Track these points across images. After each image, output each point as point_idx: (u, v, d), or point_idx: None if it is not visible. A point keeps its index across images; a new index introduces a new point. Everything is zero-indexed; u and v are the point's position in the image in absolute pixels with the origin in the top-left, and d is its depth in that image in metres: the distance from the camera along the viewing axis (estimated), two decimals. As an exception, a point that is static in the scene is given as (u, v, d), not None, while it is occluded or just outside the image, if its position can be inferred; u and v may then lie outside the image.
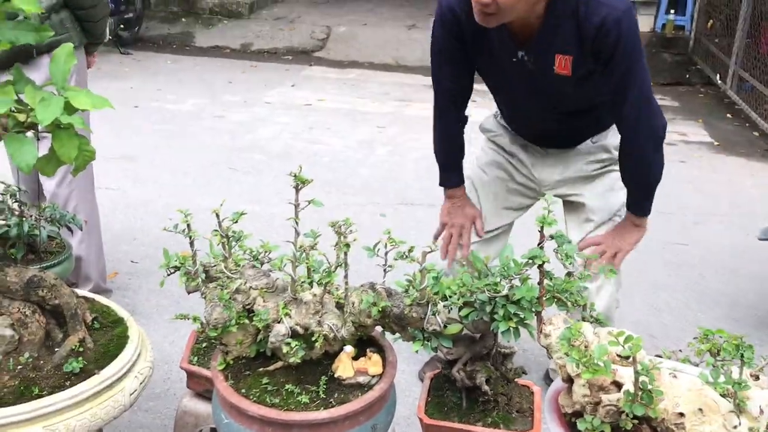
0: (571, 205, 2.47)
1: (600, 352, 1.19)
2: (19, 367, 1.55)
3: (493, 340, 1.82)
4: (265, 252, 1.62)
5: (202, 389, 2.08)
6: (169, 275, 1.62)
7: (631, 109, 1.96)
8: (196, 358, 2.09)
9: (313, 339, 1.39)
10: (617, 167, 2.26)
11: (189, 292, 1.63)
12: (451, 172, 2.37)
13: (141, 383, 1.65)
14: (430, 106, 2.35)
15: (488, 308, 1.61)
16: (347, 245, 1.35)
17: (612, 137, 2.28)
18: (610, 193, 2.37)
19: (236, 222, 1.52)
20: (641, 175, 2.12)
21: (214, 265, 1.60)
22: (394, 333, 1.53)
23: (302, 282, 1.47)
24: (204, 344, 2.13)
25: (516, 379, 1.95)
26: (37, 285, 1.61)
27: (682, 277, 3.73)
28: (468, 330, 1.69)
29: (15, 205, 2.26)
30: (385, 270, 1.47)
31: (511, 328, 1.60)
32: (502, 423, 1.92)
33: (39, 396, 1.48)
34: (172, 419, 2.20)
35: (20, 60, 2.59)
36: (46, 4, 2.66)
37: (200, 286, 1.55)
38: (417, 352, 1.56)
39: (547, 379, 2.78)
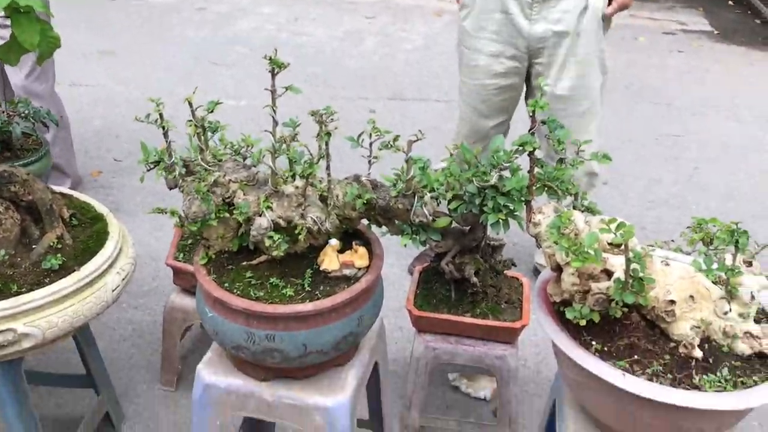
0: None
1: (590, 240, 1.15)
2: (-4, 264, 1.51)
3: (483, 232, 1.79)
4: (247, 146, 1.55)
5: (189, 285, 2.06)
6: (148, 170, 1.55)
7: None
8: (181, 255, 2.06)
9: (297, 232, 1.35)
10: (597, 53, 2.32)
11: (170, 188, 1.57)
12: None
13: (123, 279, 1.62)
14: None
15: (477, 200, 1.56)
16: (328, 134, 1.28)
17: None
18: (581, 80, 2.37)
19: (212, 111, 1.44)
20: None
21: (194, 159, 1.53)
22: (380, 226, 1.49)
23: (284, 175, 1.41)
24: (189, 241, 2.10)
25: (505, 271, 1.94)
26: (7, 180, 1.55)
27: (677, 170, 3.69)
28: (457, 223, 1.65)
29: (-16, 101, 2.17)
30: (370, 162, 1.41)
31: (501, 220, 1.56)
32: (491, 313, 1.92)
33: (18, 293, 1.45)
34: (161, 315, 2.20)
35: None
36: None
37: (178, 180, 1.48)
38: (405, 246, 1.52)
39: (536, 273, 2.79)
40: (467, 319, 1.90)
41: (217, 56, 4.87)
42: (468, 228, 1.76)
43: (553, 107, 2.42)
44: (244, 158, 1.56)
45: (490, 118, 2.52)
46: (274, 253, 1.33)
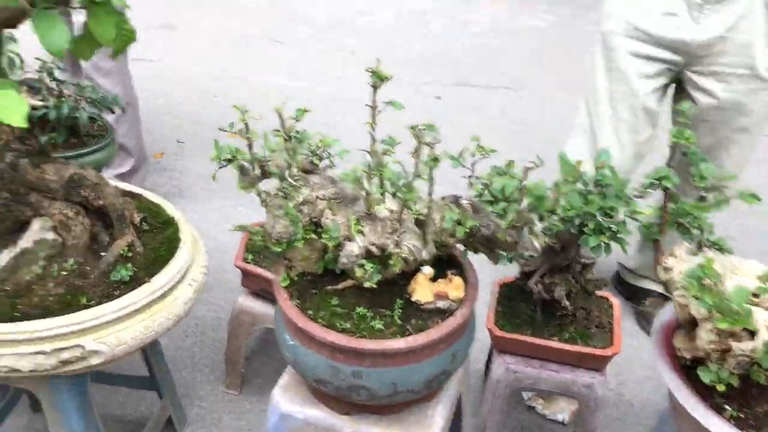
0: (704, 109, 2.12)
1: (739, 297, 1.00)
2: (64, 273, 1.42)
3: (576, 251, 1.64)
4: (324, 147, 1.42)
5: (258, 288, 1.97)
6: (220, 168, 1.45)
7: None
8: (250, 256, 1.96)
9: (391, 262, 1.22)
10: None
11: (243, 189, 1.47)
12: None
13: (195, 291, 1.53)
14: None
15: (577, 220, 1.42)
16: (435, 159, 1.14)
17: None
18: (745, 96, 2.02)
19: (299, 120, 1.32)
20: None
21: (269, 160, 1.42)
22: (477, 252, 1.35)
23: (379, 192, 1.27)
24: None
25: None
26: (78, 184, 1.45)
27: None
28: (550, 242, 1.51)
29: (53, 84, 2.08)
30: (471, 182, 1.27)
31: (603, 243, 1.42)
32: (579, 338, 1.77)
33: (87, 306, 1.36)
34: (225, 312, 2.11)
35: None
36: None
37: (252, 185, 1.37)
38: (495, 264, 1.40)
39: (618, 281, 2.62)
40: (555, 344, 1.75)
41: (276, 33, 4.75)
42: (560, 246, 1.62)
43: (701, 119, 2.09)
44: (321, 159, 1.44)
45: (640, 131, 2.14)
46: (366, 284, 1.21)
